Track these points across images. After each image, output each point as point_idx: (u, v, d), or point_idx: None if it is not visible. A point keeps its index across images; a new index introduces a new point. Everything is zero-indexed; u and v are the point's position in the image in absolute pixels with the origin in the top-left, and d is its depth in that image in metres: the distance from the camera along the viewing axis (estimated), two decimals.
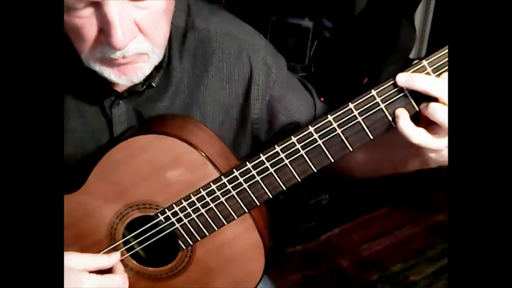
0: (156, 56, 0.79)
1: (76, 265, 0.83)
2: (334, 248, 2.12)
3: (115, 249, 0.90)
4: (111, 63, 0.76)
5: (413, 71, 0.69)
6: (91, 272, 0.85)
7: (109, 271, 0.89)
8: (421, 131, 0.71)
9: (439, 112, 0.68)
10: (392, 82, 0.70)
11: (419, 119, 0.72)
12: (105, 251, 0.90)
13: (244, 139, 0.95)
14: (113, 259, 0.88)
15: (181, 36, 0.88)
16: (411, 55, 2.57)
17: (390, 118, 0.72)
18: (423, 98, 0.69)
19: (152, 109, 0.90)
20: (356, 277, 1.99)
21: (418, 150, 0.75)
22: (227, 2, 2.44)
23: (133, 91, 0.87)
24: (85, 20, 0.71)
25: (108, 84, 0.83)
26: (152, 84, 0.87)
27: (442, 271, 1.99)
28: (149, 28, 0.75)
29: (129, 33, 0.72)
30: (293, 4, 2.63)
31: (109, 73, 0.77)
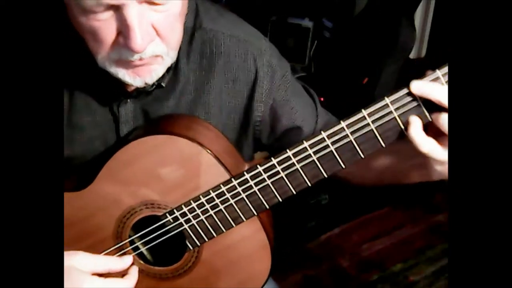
0: (169, 58, 0.80)
1: (81, 265, 0.83)
2: (334, 248, 2.11)
3: (121, 248, 0.90)
4: (127, 64, 0.77)
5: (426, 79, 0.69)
6: (99, 274, 0.84)
7: (120, 273, 0.89)
8: (431, 140, 0.71)
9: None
10: (407, 91, 0.70)
11: (428, 130, 0.72)
12: (110, 249, 0.90)
13: (246, 140, 0.95)
14: (124, 262, 0.88)
15: (188, 36, 0.89)
16: (411, 55, 2.57)
17: (402, 127, 0.72)
18: (436, 108, 0.69)
19: (159, 108, 0.90)
20: (356, 277, 1.99)
21: (423, 162, 0.75)
22: (227, 2, 2.44)
23: (142, 91, 0.87)
24: (103, 23, 0.72)
25: (118, 83, 0.84)
26: (162, 84, 0.87)
27: (442, 271, 1.99)
28: (166, 31, 0.75)
29: (147, 37, 0.73)
30: (293, 4, 2.63)
31: (123, 74, 0.78)
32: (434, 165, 0.74)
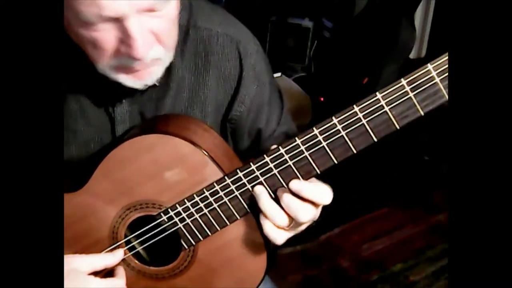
0: (167, 59, 0.81)
1: (82, 267, 0.84)
2: (334, 248, 2.11)
3: (116, 248, 0.90)
4: (127, 69, 0.78)
5: (418, 75, 0.70)
6: (96, 273, 0.85)
7: (111, 271, 0.89)
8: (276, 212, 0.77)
9: (291, 207, 0.75)
10: (398, 85, 0.70)
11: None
12: (107, 250, 0.90)
13: (227, 136, 0.98)
14: (117, 257, 0.89)
15: (182, 35, 0.89)
16: (411, 55, 2.58)
17: (394, 121, 0.72)
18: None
19: (154, 107, 0.90)
20: (356, 277, 1.99)
21: None
22: (227, 2, 2.44)
23: (136, 90, 0.87)
24: (103, 33, 0.73)
25: (111, 84, 0.84)
26: (155, 83, 0.87)
27: (442, 271, 1.99)
28: (164, 35, 0.77)
29: (148, 43, 0.74)
30: (293, 4, 2.63)
31: (125, 79, 0.79)
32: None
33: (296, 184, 0.76)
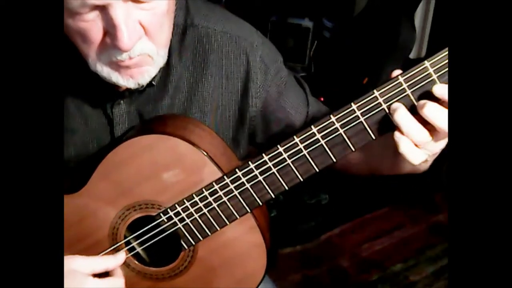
0: (161, 58, 0.80)
1: (82, 268, 0.83)
2: (334, 248, 2.12)
3: (117, 250, 0.90)
4: (118, 66, 0.77)
5: (415, 72, 0.69)
6: (96, 274, 0.85)
7: (109, 272, 0.89)
8: (415, 125, 0.69)
9: (438, 116, 0.67)
10: (395, 82, 0.70)
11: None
12: (107, 251, 0.90)
13: (242, 136, 0.96)
14: (119, 259, 0.88)
15: (180, 34, 0.89)
16: (411, 55, 2.57)
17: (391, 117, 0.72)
18: (425, 98, 0.69)
19: (153, 108, 0.90)
20: (356, 277, 1.99)
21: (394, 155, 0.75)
22: (227, 1, 2.44)
23: (133, 90, 0.87)
24: (90, 24, 0.72)
25: (108, 84, 0.84)
26: (153, 82, 0.87)
27: (442, 271, 1.99)
28: (153, 29, 0.75)
29: (134, 34, 0.73)
30: (293, 4, 2.63)
31: (117, 77, 0.78)
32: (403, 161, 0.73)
33: (442, 88, 0.67)
